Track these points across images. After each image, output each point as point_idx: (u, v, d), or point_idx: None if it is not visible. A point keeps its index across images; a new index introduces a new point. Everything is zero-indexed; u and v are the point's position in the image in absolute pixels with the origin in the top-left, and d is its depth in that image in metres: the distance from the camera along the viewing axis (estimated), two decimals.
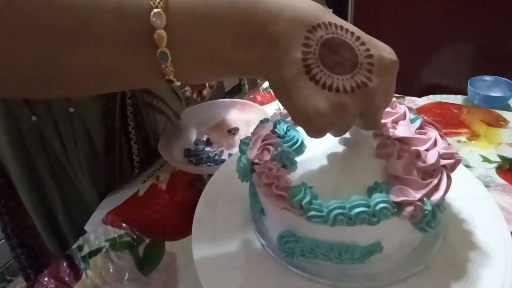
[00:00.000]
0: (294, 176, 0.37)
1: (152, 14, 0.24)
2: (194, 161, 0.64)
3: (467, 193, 0.45)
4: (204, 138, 0.70)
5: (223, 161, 0.63)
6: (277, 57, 0.27)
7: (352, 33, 0.27)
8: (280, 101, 0.29)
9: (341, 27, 0.27)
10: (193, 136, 0.71)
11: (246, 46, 0.26)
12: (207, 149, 0.67)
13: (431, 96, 1.17)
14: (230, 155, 0.64)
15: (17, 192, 0.56)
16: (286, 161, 0.39)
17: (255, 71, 0.28)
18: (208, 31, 0.26)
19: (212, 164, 0.63)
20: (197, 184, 0.61)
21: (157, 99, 0.67)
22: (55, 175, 0.56)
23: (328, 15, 0.27)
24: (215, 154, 0.65)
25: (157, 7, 0.24)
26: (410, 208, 0.32)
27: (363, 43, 0.27)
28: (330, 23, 0.27)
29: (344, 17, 1.57)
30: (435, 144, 0.37)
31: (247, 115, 0.73)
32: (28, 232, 0.59)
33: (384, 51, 0.28)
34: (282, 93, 0.28)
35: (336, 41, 0.27)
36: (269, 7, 0.26)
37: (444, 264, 0.38)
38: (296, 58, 0.26)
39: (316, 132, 0.29)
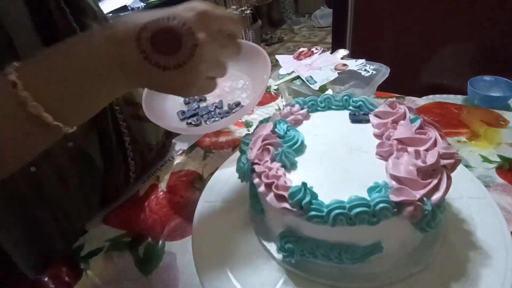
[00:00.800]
0: (294, 176, 0.37)
1: (28, 106, 0.29)
2: (194, 122, 0.57)
3: (467, 193, 0.45)
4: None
5: (227, 112, 0.56)
6: (134, 77, 0.34)
7: (164, 18, 0.33)
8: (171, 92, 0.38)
9: (155, 20, 0.32)
10: (179, 97, 0.62)
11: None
12: (203, 104, 0.60)
13: (431, 96, 1.17)
14: (230, 105, 0.58)
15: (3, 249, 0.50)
16: (286, 161, 0.39)
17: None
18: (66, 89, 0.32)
19: (217, 119, 0.56)
20: (197, 184, 0.61)
21: (141, 108, 0.64)
22: (54, 217, 0.52)
23: (140, 18, 0.32)
24: (216, 107, 0.59)
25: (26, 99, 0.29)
26: (410, 208, 0.32)
27: (174, 18, 0.32)
28: (145, 24, 0.32)
29: (344, 17, 1.57)
30: (435, 144, 0.37)
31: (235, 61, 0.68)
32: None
33: (185, 10, 0.34)
34: (160, 89, 0.37)
35: (159, 33, 0.32)
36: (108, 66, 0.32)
37: (444, 264, 0.38)
38: (143, 64, 0.32)
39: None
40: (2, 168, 0.33)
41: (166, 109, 0.60)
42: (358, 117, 0.45)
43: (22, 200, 0.49)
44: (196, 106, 0.60)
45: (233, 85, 0.61)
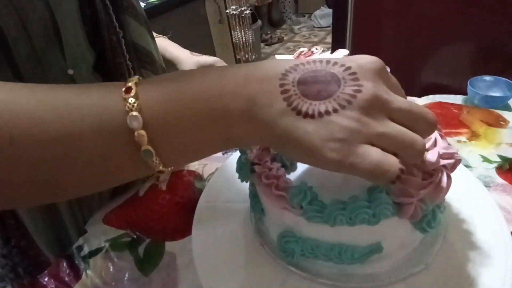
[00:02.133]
0: (294, 176, 0.37)
1: (128, 117, 0.25)
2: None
3: (467, 193, 0.45)
4: None
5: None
6: (262, 119, 0.25)
7: (321, 61, 0.27)
8: (296, 159, 0.30)
9: (308, 62, 0.27)
10: None
11: (227, 128, 0.26)
12: None
13: (431, 96, 1.17)
14: None
15: (27, 231, 0.54)
16: (286, 161, 0.39)
17: (247, 142, 0.28)
18: (185, 126, 0.26)
19: (231, 153, 0.63)
20: (197, 184, 0.61)
21: None
22: (70, 205, 0.55)
23: (290, 62, 0.27)
24: None
25: (131, 110, 0.25)
26: (410, 208, 0.32)
27: (335, 63, 0.27)
28: (296, 65, 0.27)
29: (344, 17, 1.57)
30: (435, 144, 0.37)
31: None
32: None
33: (361, 58, 0.27)
34: (291, 148, 0.26)
35: (309, 74, 0.26)
36: (238, 94, 0.26)
37: (444, 264, 0.38)
38: (282, 108, 0.25)
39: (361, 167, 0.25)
40: (80, 189, 0.29)
41: None
42: None
43: None
44: None
45: None
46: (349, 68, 0.26)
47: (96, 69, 0.49)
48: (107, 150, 0.26)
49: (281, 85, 0.25)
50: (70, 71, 0.44)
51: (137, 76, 0.27)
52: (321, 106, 0.25)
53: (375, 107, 0.25)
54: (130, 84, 0.26)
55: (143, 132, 0.25)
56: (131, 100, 0.25)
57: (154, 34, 0.68)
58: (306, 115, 0.25)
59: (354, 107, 0.25)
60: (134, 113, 0.25)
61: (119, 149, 0.26)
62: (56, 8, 0.41)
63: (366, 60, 0.27)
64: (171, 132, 0.26)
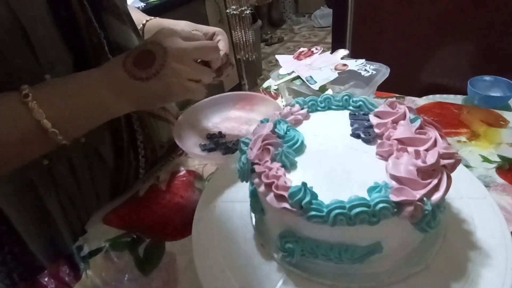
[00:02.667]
0: (294, 176, 0.37)
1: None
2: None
3: (467, 193, 0.45)
4: (215, 131, 0.70)
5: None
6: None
7: (148, 43, 0.43)
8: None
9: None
10: (204, 130, 0.71)
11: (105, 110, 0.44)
12: (222, 141, 0.68)
13: (431, 96, 1.17)
14: None
15: (21, 237, 0.53)
16: (286, 161, 0.39)
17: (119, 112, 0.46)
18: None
19: (231, 153, 0.63)
20: (197, 184, 0.61)
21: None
22: (64, 211, 0.54)
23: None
24: (233, 144, 0.66)
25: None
26: (410, 208, 0.32)
27: (152, 42, 0.43)
28: (130, 51, 0.43)
29: (344, 17, 1.57)
30: (435, 144, 0.37)
31: (251, 107, 0.74)
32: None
33: (165, 34, 0.44)
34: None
35: (139, 54, 0.43)
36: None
37: (444, 264, 0.38)
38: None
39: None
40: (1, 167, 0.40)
41: (192, 140, 0.69)
42: (360, 130, 0.43)
43: (34, 190, 0.50)
44: (216, 141, 0.68)
45: (249, 129, 0.71)
46: (158, 44, 0.43)
47: (78, 71, 0.47)
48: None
49: (125, 69, 0.42)
50: (47, 76, 0.44)
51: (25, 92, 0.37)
52: (151, 71, 0.42)
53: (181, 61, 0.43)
54: (26, 92, 0.37)
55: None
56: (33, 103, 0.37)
57: (148, 17, 0.66)
58: (147, 78, 0.42)
59: (168, 66, 0.42)
60: (39, 110, 0.37)
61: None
62: (21, 13, 0.40)
63: (161, 36, 0.44)
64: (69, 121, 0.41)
